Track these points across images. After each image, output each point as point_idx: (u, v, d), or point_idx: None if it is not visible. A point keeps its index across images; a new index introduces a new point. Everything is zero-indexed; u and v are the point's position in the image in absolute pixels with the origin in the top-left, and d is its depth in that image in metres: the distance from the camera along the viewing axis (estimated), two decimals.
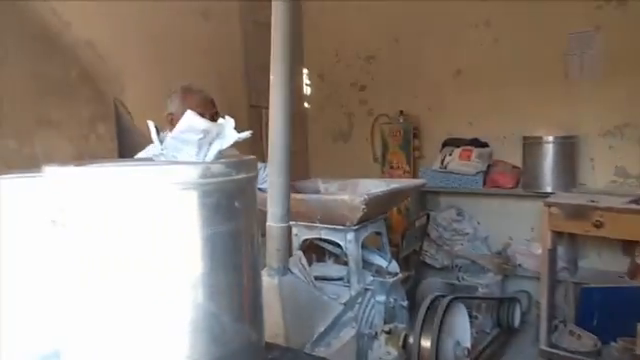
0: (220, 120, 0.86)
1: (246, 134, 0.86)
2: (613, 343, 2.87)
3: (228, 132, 0.82)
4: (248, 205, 0.79)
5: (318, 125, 4.56)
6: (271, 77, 1.84)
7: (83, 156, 2.86)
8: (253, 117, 3.90)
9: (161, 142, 0.81)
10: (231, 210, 0.75)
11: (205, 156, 0.80)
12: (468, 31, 3.76)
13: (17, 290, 0.82)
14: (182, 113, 0.79)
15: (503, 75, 3.66)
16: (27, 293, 0.82)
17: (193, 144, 0.78)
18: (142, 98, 3.08)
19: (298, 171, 3.86)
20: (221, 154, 0.83)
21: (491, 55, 3.70)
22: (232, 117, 0.88)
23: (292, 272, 1.92)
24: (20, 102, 2.61)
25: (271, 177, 1.62)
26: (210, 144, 0.80)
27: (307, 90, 4.61)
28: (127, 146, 3.03)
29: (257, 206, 0.86)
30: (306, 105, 4.62)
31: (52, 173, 0.72)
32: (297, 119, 4.26)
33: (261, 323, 0.84)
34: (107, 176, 0.69)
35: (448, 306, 2.10)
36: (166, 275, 0.70)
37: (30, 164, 2.61)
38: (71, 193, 0.69)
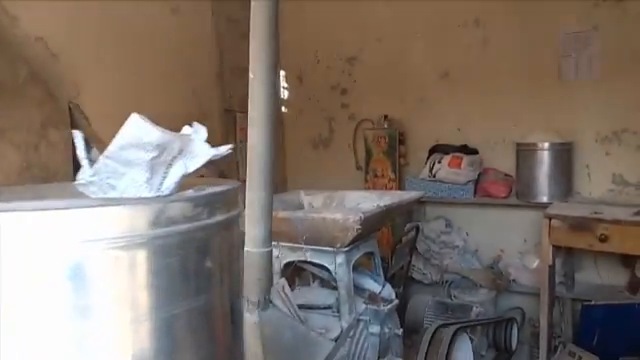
0: (185, 129, 0.57)
1: (225, 149, 0.58)
2: None
3: (197, 148, 0.54)
4: (228, 261, 0.51)
5: (296, 130, 4.28)
6: (250, 76, 1.56)
7: (32, 166, 2.51)
8: (228, 122, 3.59)
9: (92, 163, 0.51)
10: (201, 274, 0.47)
11: (161, 185, 0.51)
12: (455, 31, 3.55)
13: None
14: None
15: (493, 77, 3.46)
16: None
17: (141, 166, 0.49)
18: (100, 101, 2.76)
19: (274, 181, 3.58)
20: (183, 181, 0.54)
21: (480, 56, 3.50)
22: (204, 123, 0.60)
23: (274, 305, 1.65)
24: None
25: (250, 192, 1.33)
26: (169, 165, 0.51)
27: (284, 93, 4.34)
28: None
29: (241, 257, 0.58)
30: (283, 109, 4.34)
31: None
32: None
33: None
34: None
35: (453, 338, 1.85)
36: None
37: None
38: None
